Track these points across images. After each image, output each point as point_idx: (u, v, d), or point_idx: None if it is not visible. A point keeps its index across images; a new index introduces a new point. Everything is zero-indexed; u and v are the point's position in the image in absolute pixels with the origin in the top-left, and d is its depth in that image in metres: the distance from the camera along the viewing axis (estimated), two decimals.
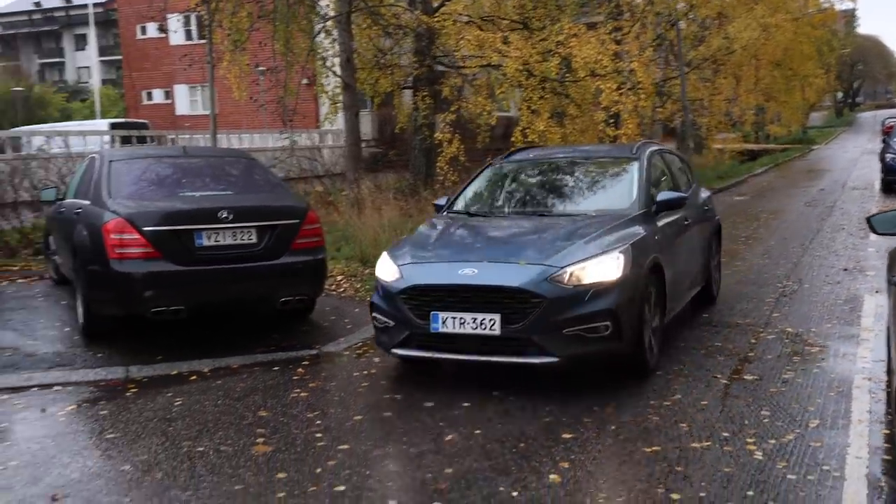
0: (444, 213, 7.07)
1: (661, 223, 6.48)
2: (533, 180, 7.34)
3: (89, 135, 21.14)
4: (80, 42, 71.12)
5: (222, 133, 20.98)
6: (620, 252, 5.61)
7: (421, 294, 5.62)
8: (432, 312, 5.48)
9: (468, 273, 5.53)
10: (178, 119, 37.32)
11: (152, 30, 36.39)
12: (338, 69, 14.91)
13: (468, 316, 5.38)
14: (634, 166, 6.86)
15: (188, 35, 32.90)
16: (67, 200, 8.45)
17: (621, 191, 6.76)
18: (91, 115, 45.49)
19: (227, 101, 24.27)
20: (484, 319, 5.34)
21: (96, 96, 46.56)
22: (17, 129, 27.08)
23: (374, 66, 15.89)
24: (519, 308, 5.33)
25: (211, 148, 13.67)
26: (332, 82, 15.73)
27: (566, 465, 4.39)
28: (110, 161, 7.61)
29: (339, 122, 17.03)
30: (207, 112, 18.03)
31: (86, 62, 67.49)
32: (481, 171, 7.56)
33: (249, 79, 16.24)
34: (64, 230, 8.18)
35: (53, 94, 61.91)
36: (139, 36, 41.06)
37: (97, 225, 6.80)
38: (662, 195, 6.61)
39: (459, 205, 7.12)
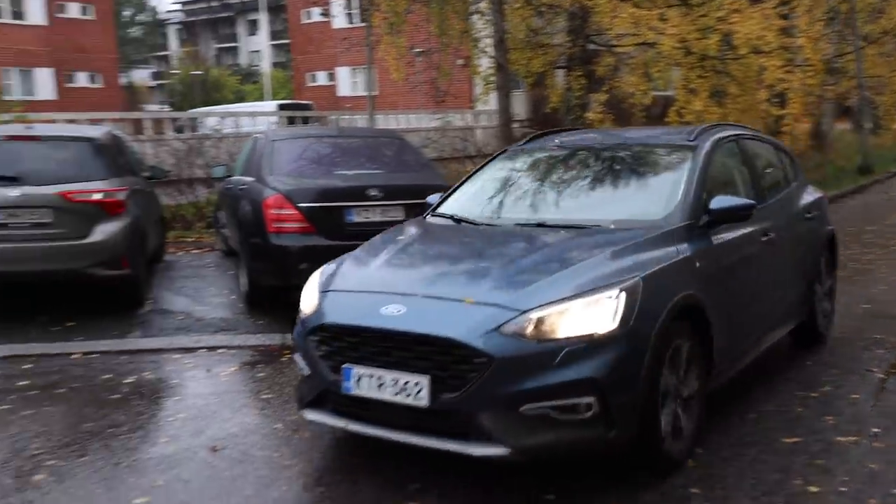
0: (428, 215, 5.43)
1: (716, 241, 4.67)
2: (547, 176, 5.46)
3: (258, 116, 22.41)
4: (253, 27, 75.08)
5: (380, 114, 21.65)
6: (622, 288, 3.85)
7: (333, 337, 4.13)
8: (344, 366, 4.01)
9: (392, 312, 3.95)
10: (340, 100, 38.82)
11: (317, 14, 37.96)
12: (491, 50, 15.03)
13: (388, 375, 3.86)
14: (687, 159, 5.00)
15: (349, 18, 34.04)
16: (234, 177, 9.08)
17: (659, 194, 4.87)
18: (261, 97, 48.07)
19: (385, 83, 25.01)
20: (408, 382, 3.80)
21: (266, 79, 49.11)
22: (194, 110, 29.10)
23: (527, 46, 15.88)
24: (455, 369, 3.73)
25: (365, 128, 14.23)
26: (484, 63, 15.87)
27: (700, 450, 4.33)
28: (272, 141, 8.14)
29: (493, 102, 17.18)
30: (367, 93, 18.68)
31: (257, 46, 71.24)
32: (487, 162, 5.89)
33: (406, 60, 16.65)
34: (231, 205, 8.81)
35: (228, 76, 65.79)
36: (304, 20, 42.93)
37: (258, 200, 7.30)
38: (718, 201, 4.67)
39: (449, 205, 5.43)
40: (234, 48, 79.14)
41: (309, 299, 4.46)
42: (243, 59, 76.93)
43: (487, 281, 4.06)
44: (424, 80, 16.82)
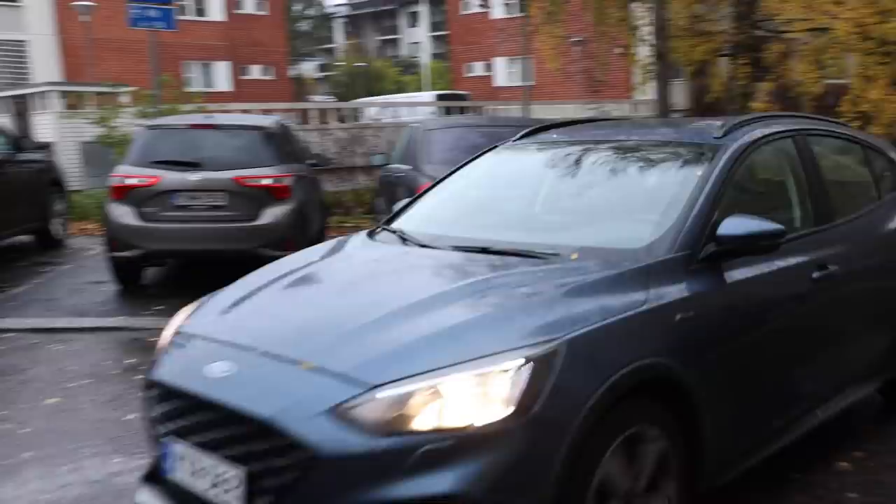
0: (381, 227, 4.26)
1: (732, 279, 3.33)
2: (524, 183, 4.39)
3: (416, 105, 23.01)
4: (413, 19, 76.89)
5: (535, 104, 21.68)
6: (529, 357, 2.62)
7: (162, 398, 3.09)
8: (164, 439, 3.02)
9: (215, 373, 2.89)
10: (496, 91, 39.07)
11: (475, 5, 38.41)
12: (650, 38, 14.73)
13: (207, 460, 2.83)
14: (703, 164, 3.63)
15: (507, 9, 34.21)
16: (392, 165, 9.43)
17: (652, 212, 3.52)
18: (420, 88, 49.22)
19: (541, 73, 25.00)
20: (224, 473, 2.76)
21: (425, 70, 50.20)
22: (356, 100, 30.24)
23: (689, 33, 15.44)
24: (271, 463, 2.65)
25: (517, 117, 14.34)
26: (643, 52, 15.58)
27: (860, 454, 4.14)
28: (427, 130, 8.41)
29: (651, 92, 16.82)
30: (522, 83, 18.78)
31: (417, 38, 72.92)
32: (465, 164, 4.66)
33: (562, 50, 16.60)
34: (388, 192, 9.16)
35: (389, 68, 67.74)
36: (463, 12, 43.54)
37: (413, 188, 7.55)
38: (729, 225, 3.28)
39: (405, 217, 4.31)
40: (396, 40, 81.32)
41: (162, 340, 3.41)
42: (404, 51, 78.93)
43: (348, 336, 2.87)
44: (581, 70, 16.73)
